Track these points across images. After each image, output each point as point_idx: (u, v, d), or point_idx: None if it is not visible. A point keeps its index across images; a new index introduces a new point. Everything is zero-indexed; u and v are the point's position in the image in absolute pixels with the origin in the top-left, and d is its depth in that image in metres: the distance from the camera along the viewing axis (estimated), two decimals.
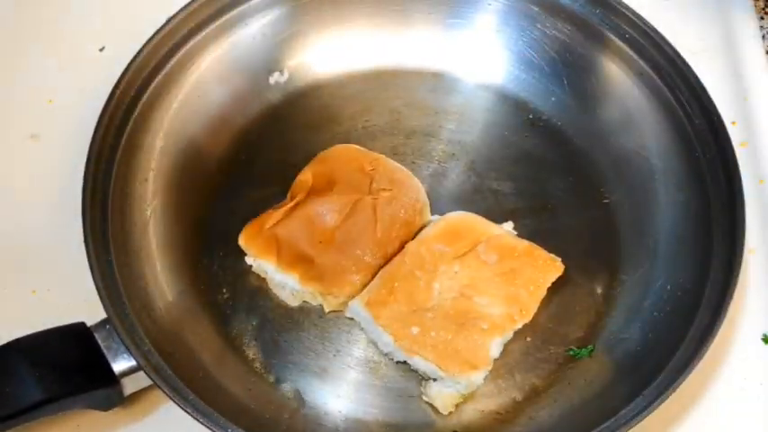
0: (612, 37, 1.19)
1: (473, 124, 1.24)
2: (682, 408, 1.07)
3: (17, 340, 0.94)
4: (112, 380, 0.95)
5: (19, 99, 1.29)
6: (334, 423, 1.03)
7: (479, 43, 1.27)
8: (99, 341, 0.96)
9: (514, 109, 1.25)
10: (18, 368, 0.91)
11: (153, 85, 1.14)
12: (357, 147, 1.17)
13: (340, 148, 1.16)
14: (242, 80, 1.23)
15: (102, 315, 0.97)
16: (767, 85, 1.29)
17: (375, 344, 1.07)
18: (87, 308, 1.03)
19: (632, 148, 1.18)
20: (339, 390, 1.05)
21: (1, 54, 1.32)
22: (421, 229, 1.11)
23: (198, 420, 0.92)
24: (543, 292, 1.05)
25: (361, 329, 1.09)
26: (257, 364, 1.06)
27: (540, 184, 1.19)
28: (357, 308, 1.05)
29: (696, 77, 1.12)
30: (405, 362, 1.05)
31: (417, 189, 1.13)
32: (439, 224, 1.10)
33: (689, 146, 1.13)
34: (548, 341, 1.08)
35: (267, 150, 1.21)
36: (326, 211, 1.08)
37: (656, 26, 1.16)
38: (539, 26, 1.24)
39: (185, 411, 0.93)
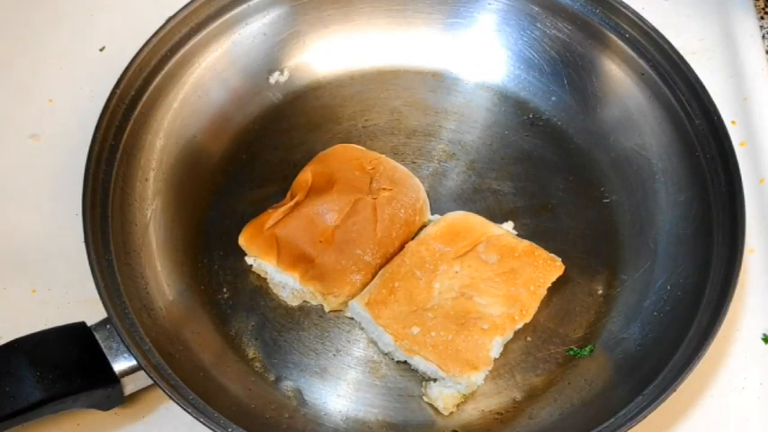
0: (613, 37, 1.19)
1: (473, 124, 1.24)
2: (682, 408, 1.07)
3: (17, 340, 0.94)
4: (113, 379, 0.95)
5: (19, 99, 1.29)
6: (335, 423, 1.03)
7: (479, 43, 1.27)
8: (99, 341, 0.96)
9: (514, 109, 1.25)
10: (18, 368, 0.91)
11: (153, 85, 1.14)
12: (357, 146, 1.17)
13: (340, 148, 1.16)
14: (242, 80, 1.23)
15: (103, 315, 0.97)
16: (767, 85, 1.29)
17: (375, 344, 1.07)
18: (87, 308, 1.03)
19: (632, 148, 1.18)
20: (339, 389, 1.05)
21: (1, 54, 1.32)
22: (421, 228, 1.11)
23: (198, 420, 0.92)
24: (543, 292, 1.05)
25: (362, 329, 1.09)
26: (257, 364, 1.06)
27: (540, 184, 1.19)
28: (357, 308, 1.05)
29: (696, 77, 1.12)
30: (405, 362, 1.05)
31: (417, 189, 1.13)
32: (439, 224, 1.10)
33: (689, 146, 1.13)
34: (548, 341, 1.09)
35: (267, 150, 1.21)
36: (326, 211, 1.08)
37: (656, 26, 1.16)
38: (539, 26, 1.24)
39: (185, 411, 0.93)
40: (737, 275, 0.99)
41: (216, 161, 1.20)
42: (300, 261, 1.07)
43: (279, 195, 1.14)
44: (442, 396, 1.02)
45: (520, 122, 1.24)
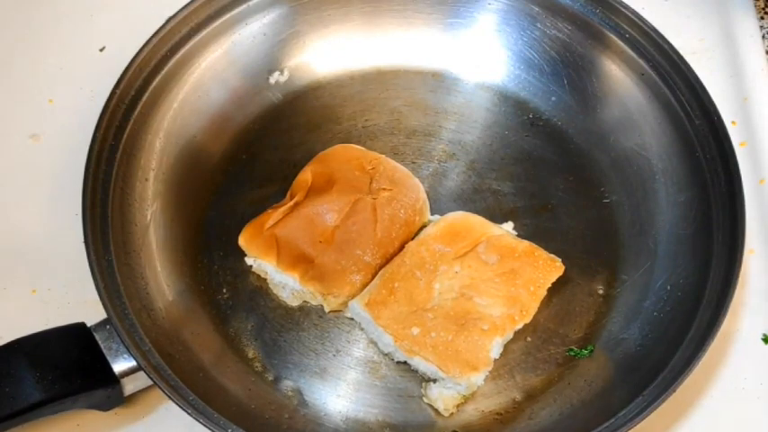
0: (613, 37, 1.19)
1: (473, 124, 1.24)
2: (682, 408, 1.07)
3: (17, 340, 0.94)
4: (112, 380, 0.95)
5: (19, 99, 1.29)
6: (334, 423, 1.03)
7: (479, 43, 1.27)
8: (99, 341, 0.96)
9: (514, 109, 1.25)
10: (18, 368, 0.91)
11: (153, 85, 1.14)
12: (357, 146, 1.17)
13: (340, 148, 1.16)
14: (242, 80, 1.23)
15: (102, 315, 0.97)
16: (767, 85, 1.29)
17: (375, 344, 1.07)
18: (87, 308, 1.03)
19: (632, 148, 1.18)
20: (339, 390, 1.05)
21: (1, 54, 1.32)
22: (421, 228, 1.11)
23: (198, 420, 0.92)
24: (543, 293, 1.05)
25: (362, 329, 1.09)
26: (257, 364, 1.06)
27: (540, 184, 1.19)
28: (357, 308, 1.05)
29: (696, 77, 1.12)
30: (405, 362, 1.05)
31: (417, 189, 1.13)
32: (439, 224, 1.10)
33: (689, 146, 1.13)
34: (548, 341, 1.08)
35: (267, 150, 1.21)
36: (326, 211, 1.08)
37: (656, 26, 1.16)
38: (539, 26, 1.24)
39: (185, 411, 0.93)
40: (737, 275, 0.99)
41: (216, 161, 1.20)
42: (300, 261, 1.07)
43: (279, 195, 1.14)
44: (442, 397, 1.02)
45: (520, 122, 1.24)
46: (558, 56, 1.24)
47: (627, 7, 1.17)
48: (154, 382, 0.94)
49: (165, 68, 1.15)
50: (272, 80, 1.25)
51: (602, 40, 1.20)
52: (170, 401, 0.93)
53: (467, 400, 1.04)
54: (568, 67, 1.23)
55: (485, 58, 1.27)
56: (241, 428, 0.92)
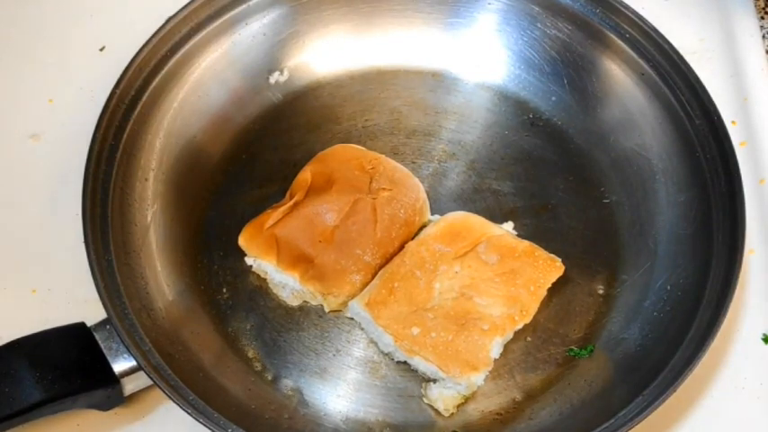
0: (613, 37, 1.19)
1: (473, 124, 1.24)
2: (682, 408, 1.07)
3: (17, 340, 0.94)
4: (112, 380, 0.95)
5: (19, 99, 1.29)
6: (334, 423, 1.03)
7: (479, 43, 1.27)
8: (99, 341, 0.96)
9: (514, 109, 1.25)
10: (18, 368, 0.92)
11: (153, 85, 1.14)
12: (357, 146, 1.17)
13: (340, 148, 1.16)
14: (242, 80, 1.23)
15: (103, 315, 0.97)
16: (767, 85, 1.29)
17: (375, 344, 1.07)
18: (87, 308, 1.03)
19: (632, 149, 1.18)
20: (339, 390, 1.05)
21: (1, 54, 1.32)
22: (421, 228, 1.11)
23: (198, 420, 0.92)
24: (544, 293, 1.05)
25: (362, 329, 1.09)
26: (257, 364, 1.06)
27: (540, 184, 1.19)
28: (357, 308, 1.05)
29: (696, 77, 1.12)
30: (405, 362, 1.05)
31: (417, 189, 1.13)
32: (439, 224, 1.10)
33: (689, 146, 1.13)
34: (548, 341, 1.08)
35: (267, 150, 1.21)
36: (326, 211, 1.08)
37: (656, 26, 1.16)
38: (539, 26, 1.24)
39: (185, 411, 0.93)
40: (737, 275, 0.99)
41: (216, 161, 1.20)
42: (300, 261, 1.07)
43: (279, 195, 1.14)
44: (443, 397, 1.02)
45: (520, 122, 1.24)
46: (559, 56, 1.24)
47: (627, 7, 1.17)
48: (154, 382, 0.94)
49: (165, 68, 1.15)
50: (272, 80, 1.25)
51: (603, 40, 1.20)
52: (170, 401, 0.93)
53: (467, 400, 1.04)
54: (568, 67, 1.23)
55: (485, 58, 1.27)
56: (241, 428, 0.92)
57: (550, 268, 1.06)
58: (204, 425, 0.92)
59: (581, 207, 1.18)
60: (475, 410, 1.04)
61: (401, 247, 1.08)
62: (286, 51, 1.25)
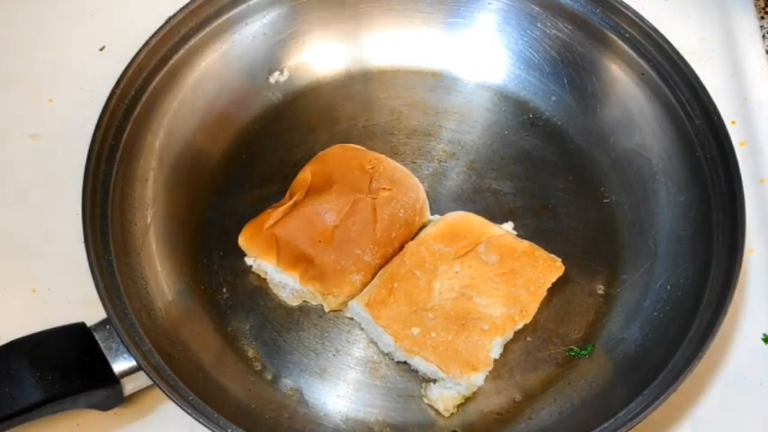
0: (613, 37, 1.19)
1: (473, 124, 1.24)
2: (682, 408, 1.07)
3: (17, 340, 0.94)
4: (112, 380, 0.95)
5: (19, 99, 1.29)
6: (334, 423, 1.03)
7: (480, 43, 1.27)
8: (99, 341, 0.96)
9: (514, 109, 1.25)
10: (18, 368, 0.92)
11: (153, 85, 1.14)
12: (357, 146, 1.17)
13: (339, 148, 1.16)
14: (242, 80, 1.23)
15: (102, 315, 0.97)
16: (767, 85, 1.29)
17: (375, 344, 1.07)
18: (87, 308, 1.03)
19: (632, 148, 1.18)
20: (339, 390, 1.05)
21: (1, 54, 1.32)
22: (421, 228, 1.11)
23: (198, 420, 0.92)
24: (544, 293, 1.05)
25: (362, 329, 1.09)
26: (257, 364, 1.06)
27: (540, 184, 1.19)
28: (357, 308, 1.05)
29: (696, 77, 1.12)
30: (405, 362, 1.05)
31: (417, 189, 1.13)
32: (439, 224, 1.10)
33: (689, 146, 1.13)
34: (548, 341, 1.08)
35: (267, 150, 1.21)
36: (326, 211, 1.08)
37: (656, 26, 1.16)
38: (539, 26, 1.24)
39: (185, 411, 0.93)
40: (737, 275, 0.99)
41: (216, 161, 1.20)
42: (300, 261, 1.07)
43: (279, 195, 1.14)
44: (443, 397, 1.02)
45: (520, 122, 1.24)
46: (559, 56, 1.24)
47: (627, 7, 1.17)
48: (154, 382, 0.94)
49: (165, 68, 1.15)
50: (272, 80, 1.25)
51: (603, 40, 1.20)
52: (170, 401, 0.93)
53: (467, 400, 1.04)
54: (568, 67, 1.23)
55: (485, 58, 1.27)
56: (241, 428, 0.92)
57: (550, 268, 1.06)
58: (204, 425, 0.92)
59: (581, 207, 1.18)
60: (475, 410, 1.04)
61: (401, 247, 1.08)
62: (286, 51, 1.25)
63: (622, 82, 1.20)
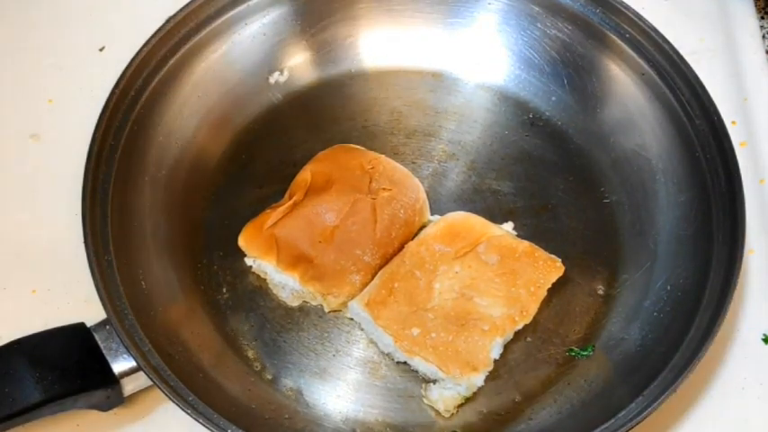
0: (613, 37, 1.19)
1: (473, 124, 1.24)
2: (682, 408, 1.06)
3: (17, 340, 0.94)
4: (112, 380, 0.95)
5: (19, 99, 1.29)
6: (334, 423, 1.03)
7: (480, 43, 1.27)
8: (99, 341, 0.96)
9: (514, 109, 1.25)
10: (18, 368, 0.92)
11: (153, 85, 1.14)
12: (357, 146, 1.17)
13: (339, 148, 1.16)
14: (242, 80, 1.23)
15: (102, 315, 0.97)
16: (767, 85, 1.29)
17: (375, 344, 1.07)
18: (87, 308, 1.03)
19: (632, 148, 1.18)
20: (339, 390, 1.05)
21: (1, 54, 1.32)
22: (421, 228, 1.11)
23: (198, 421, 0.92)
24: (544, 293, 1.05)
25: (362, 329, 1.08)
26: (257, 364, 1.06)
27: (540, 184, 1.19)
28: (357, 308, 1.05)
29: (696, 77, 1.12)
30: (405, 362, 1.05)
31: (417, 189, 1.13)
32: (439, 224, 1.10)
33: (689, 146, 1.12)
34: (548, 341, 1.08)
35: (267, 150, 1.21)
36: (325, 211, 1.08)
37: (656, 26, 1.16)
38: (539, 26, 1.24)
39: (185, 411, 0.93)
40: (737, 276, 0.99)
41: (216, 161, 1.20)
42: (300, 261, 1.07)
43: (279, 195, 1.14)
44: (443, 398, 1.02)
45: (520, 122, 1.24)
46: (558, 56, 1.24)
47: (627, 7, 1.17)
48: (153, 382, 0.94)
49: (165, 68, 1.15)
50: (272, 80, 1.25)
51: (603, 40, 1.20)
52: (170, 401, 0.93)
53: (467, 400, 1.04)
54: (568, 67, 1.23)
55: (485, 58, 1.27)
56: (241, 428, 0.92)
57: (550, 269, 1.06)
58: (204, 425, 0.92)
59: (581, 207, 1.18)
60: (475, 411, 1.04)
61: (401, 248, 1.08)
62: (286, 51, 1.25)
63: (622, 82, 1.20)
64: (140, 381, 0.97)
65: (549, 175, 1.20)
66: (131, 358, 0.95)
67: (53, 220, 1.18)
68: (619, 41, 1.19)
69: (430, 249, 1.06)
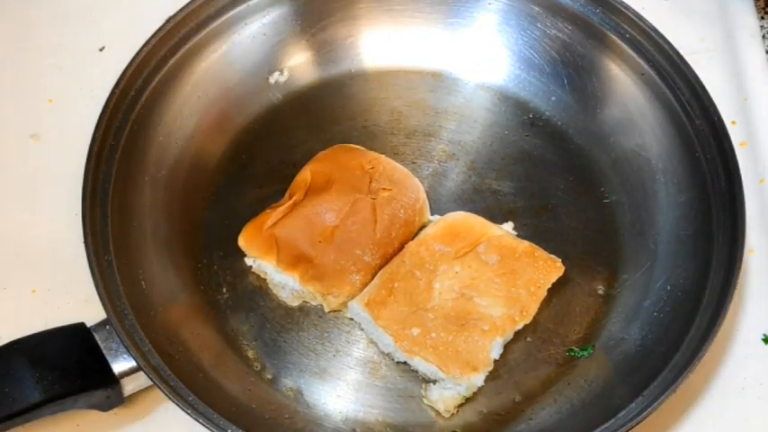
0: (613, 37, 1.19)
1: (473, 124, 1.24)
2: (682, 408, 1.07)
3: (17, 340, 0.94)
4: (112, 380, 0.95)
5: (19, 99, 1.29)
6: (334, 423, 1.03)
7: (480, 43, 1.27)
8: (99, 341, 0.96)
9: (514, 109, 1.25)
10: (18, 368, 0.92)
11: (153, 85, 1.14)
12: (356, 146, 1.17)
13: (339, 148, 1.16)
14: (242, 80, 1.23)
15: (102, 315, 0.97)
16: (767, 85, 1.29)
17: (375, 344, 1.07)
18: (87, 308, 1.03)
19: (632, 148, 1.18)
20: (339, 390, 1.05)
21: (1, 54, 1.32)
22: (421, 228, 1.11)
23: (197, 420, 0.92)
24: (544, 293, 1.05)
25: (362, 329, 1.08)
26: (257, 364, 1.06)
27: (540, 184, 1.19)
28: (357, 308, 1.05)
29: (696, 77, 1.12)
30: (405, 362, 1.05)
31: (417, 189, 1.13)
32: (439, 224, 1.10)
33: (689, 146, 1.12)
34: (548, 341, 1.08)
35: (267, 150, 1.21)
36: (325, 211, 1.08)
37: (656, 26, 1.16)
38: (539, 26, 1.24)
39: (185, 411, 0.93)
40: (737, 276, 0.99)
41: (216, 161, 1.20)
42: (300, 261, 1.07)
43: (279, 195, 1.14)
44: (443, 398, 1.02)
45: (520, 122, 1.24)
46: (558, 56, 1.24)
47: (627, 7, 1.17)
48: (153, 382, 0.94)
49: (165, 68, 1.15)
50: (272, 80, 1.25)
51: (603, 40, 1.20)
52: (170, 401, 0.93)
53: (467, 400, 1.04)
54: (568, 67, 1.23)
55: (485, 58, 1.27)
56: (241, 428, 0.92)
57: (550, 269, 1.06)
58: (204, 425, 0.92)
59: (581, 207, 1.18)
60: (475, 411, 1.04)
61: (401, 248, 1.08)
62: (286, 51, 1.25)
63: (622, 82, 1.20)
64: (140, 381, 0.97)
65: (549, 175, 1.20)
66: (131, 358, 0.95)
67: (53, 220, 1.18)
68: (619, 41, 1.19)
69: (430, 249, 1.06)
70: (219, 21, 1.20)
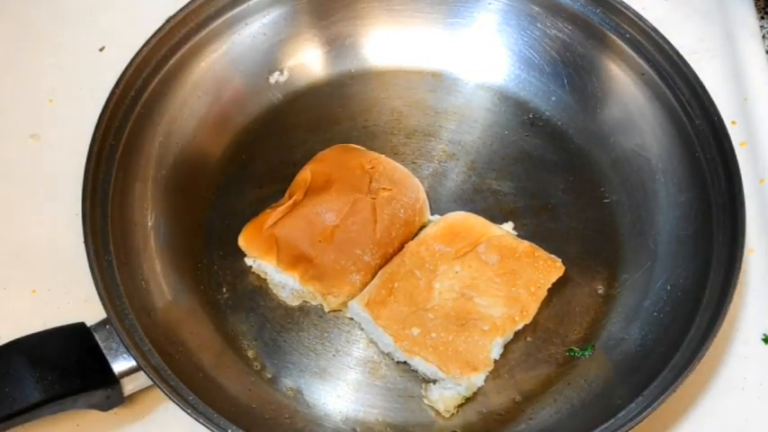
0: (613, 37, 1.19)
1: (473, 124, 1.24)
2: (682, 408, 1.07)
3: (17, 340, 0.94)
4: (112, 380, 0.95)
5: (19, 99, 1.29)
6: (334, 423, 1.03)
7: (480, 43, 1.27)
8: (99, 341, 0.96)
9: (514, 109, 1.25)
10: (18, 368, 0.92)
11: (153, 85, 1.14)
12: (356, 146, 1.17)
13: (339, 148, 1.16)
14: (242, 80, 1.23)
15: (102, 315, 0.97)
16: (767, 85, 1.29)
17: (375, 344, 1.07)
18: (87, 308, 1.03)
19: (632, 148, 1.18)
20: (339, 390, 1.05)
21: (1, 54, 1.32)
22: (421, 228, 1.11)
23: (198, 420, 0.92)
24: (544, 293, 1.05)
25: (362, 329, 1.09)
26: (257, 364, 1.06)
27: (540, 184, 1.19)
28: (357, 308, 1.05)
29: (696, 77, 1.12)
30: (405, 362, 1.05)
31: (417, 189, 1.13)
32: (439, 224, 1.10)
33: (689, 146, 1.12)
34: (548, 341, 1.08)
35: (267, 150, 1.21)
36: (325, 211, 1.08)
37: (656, 26, 1.16)
38: (539, 26, 1.24)
39: (185, 411, 0.93)
40: (737, 276, 0.99)
41: (216, 161, 1.20)
42: (300, 261, 1.07)
43: (279, 195, 1.14)
44: (443, 398, 1.02)
45: (520, 122, 1.24)
46: (558, 56, 1.24)
47: (627, 7, 1.17)
48: (153, 382, 0.94)
49: (165, 68, 1.15)
50: (272, 80, 1.25)
51: (603, 40, 1.20)
52: (170, 401, 0.93)
53: (467, 400, 1.04)
54: (568, 67, 1.23)
55: (485, 58, 1.27)
56: (241, 428, 0.92)
57: (550, 269, 1.06)
58: (204, 425, 0.92)
59: (581, 207, 1.18)
60: (475, 411, 1.04)
61: (401, 247, 1.08)
62: (286, 51, 1.25)
63: (622, 82, 1.20)
64: (140, 381, 0.97)
65: (549, 175, 1.20)
66: (131, 358, 0.95)
67: (53, 220, 1.18)
68: (619, 41, 1.19)
69: (430, 249, 1.06)
70: (219, 21, 1.20)
